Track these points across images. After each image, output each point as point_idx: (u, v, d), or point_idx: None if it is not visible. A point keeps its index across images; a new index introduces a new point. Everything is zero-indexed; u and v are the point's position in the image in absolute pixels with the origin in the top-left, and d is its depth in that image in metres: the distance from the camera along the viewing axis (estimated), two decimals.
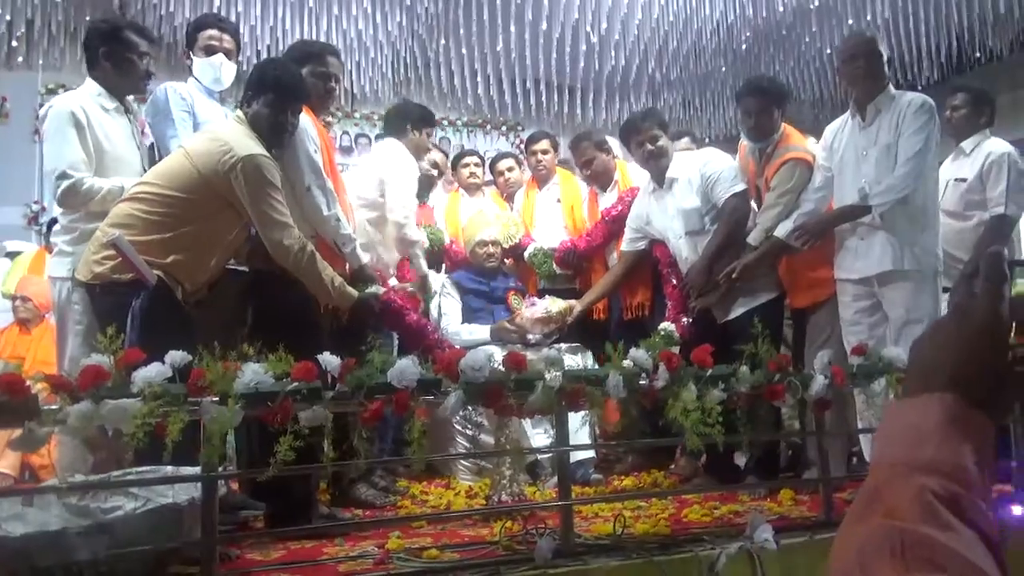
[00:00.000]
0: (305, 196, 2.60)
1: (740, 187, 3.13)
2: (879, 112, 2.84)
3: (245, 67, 5.85)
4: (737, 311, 3.08)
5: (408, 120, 3.39)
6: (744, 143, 3.28)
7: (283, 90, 2.52)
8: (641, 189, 3.50)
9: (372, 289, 2.76)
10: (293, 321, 2.46)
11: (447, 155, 4.32)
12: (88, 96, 2.65)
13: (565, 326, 3.57)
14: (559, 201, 3.96)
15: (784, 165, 3.01)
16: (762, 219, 3.05)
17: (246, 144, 2.42)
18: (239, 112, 2.57)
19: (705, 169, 3.20)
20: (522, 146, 6.91)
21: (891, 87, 2.90)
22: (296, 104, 2.56)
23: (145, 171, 2.63)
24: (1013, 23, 5.70)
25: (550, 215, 3.96)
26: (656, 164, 3.28)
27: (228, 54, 2.93)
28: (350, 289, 2.61)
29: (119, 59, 2.68)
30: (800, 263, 3.03)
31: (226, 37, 2.95)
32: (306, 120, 2.66)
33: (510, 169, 4.23)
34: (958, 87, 3.57)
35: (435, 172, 3.85)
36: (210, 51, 2.92)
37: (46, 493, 1.79)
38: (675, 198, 3.25)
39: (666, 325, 3.21)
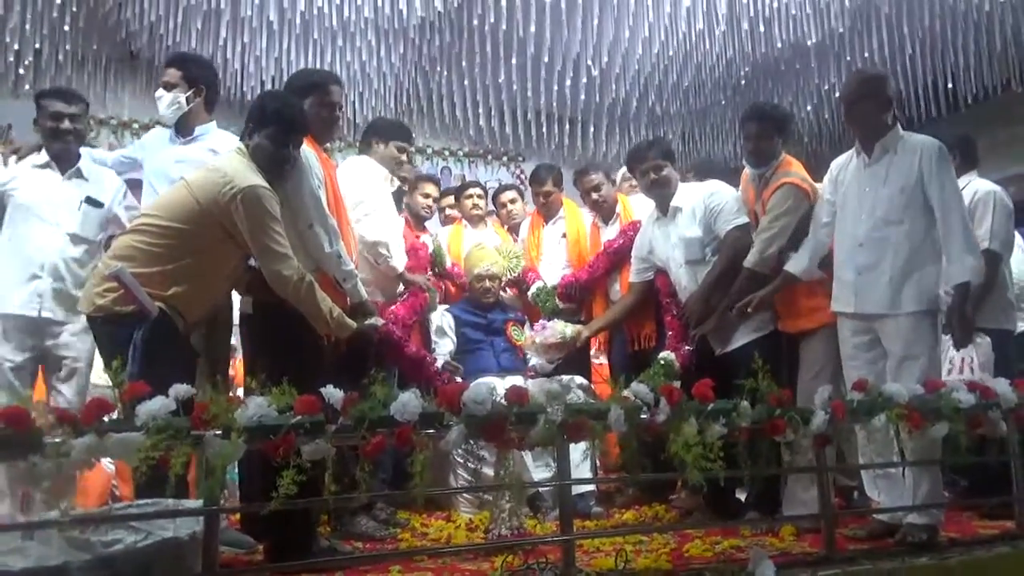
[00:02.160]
0: (307, 232, 2.61)
1: (742, 220, 3.16)
2: (886, 151, 2.81)
3: (250, 96, 5.97)
4: (736, 343, 3.09)
5: (374, 134, 3.40)
6: (746, 171, 3.31)
7: (284, 123, 2.54)
8: (646, 218, 3.53)
9: (371, 321, 2.77)
10: (294, 351, 2.47)
11: (439, 185, 4.32)
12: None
13: (573, 351, 3.57)
14: (564, 236, 3.98)
15: (779, 189, 3.03)
16: (756, 242, 3.06)
17: (246, 176, 2.44)
18: (240, 145, 2.60)
19: (709, 200, 3.23)
20: (522, 175, 7.04)
21: (899, 127, 2.86)
22: (297, 137, 2.58)
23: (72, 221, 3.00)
24: (1008, 60, 5.79)
25: (556, 250, 3.99)
26: (660, 193, 3.32)
27: (167, 87, 2.95)
28: (348, 320, 2.62)
29: (41, 125, 3.09)
30: (796, 290, 3.03)
31: (170, 71, 2.97)
32: (310, 154, 2.68)
33: (512, 201, 4.26)
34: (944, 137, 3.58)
35: (406, 187, 3.83)
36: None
37: (46, 528, 1.78)
38: (678, 227, 3.28)
39: (666, 355, 3.22)
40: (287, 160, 2.56)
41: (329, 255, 2.65)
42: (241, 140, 2.62)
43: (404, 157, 3.40)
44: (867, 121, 2.84)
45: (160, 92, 2.97)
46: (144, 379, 1.92)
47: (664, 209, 3.34)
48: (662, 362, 3.13)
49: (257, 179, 2.45)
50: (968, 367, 3.07)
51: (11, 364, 2.92)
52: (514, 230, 4.24)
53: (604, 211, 3.86)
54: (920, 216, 2.72)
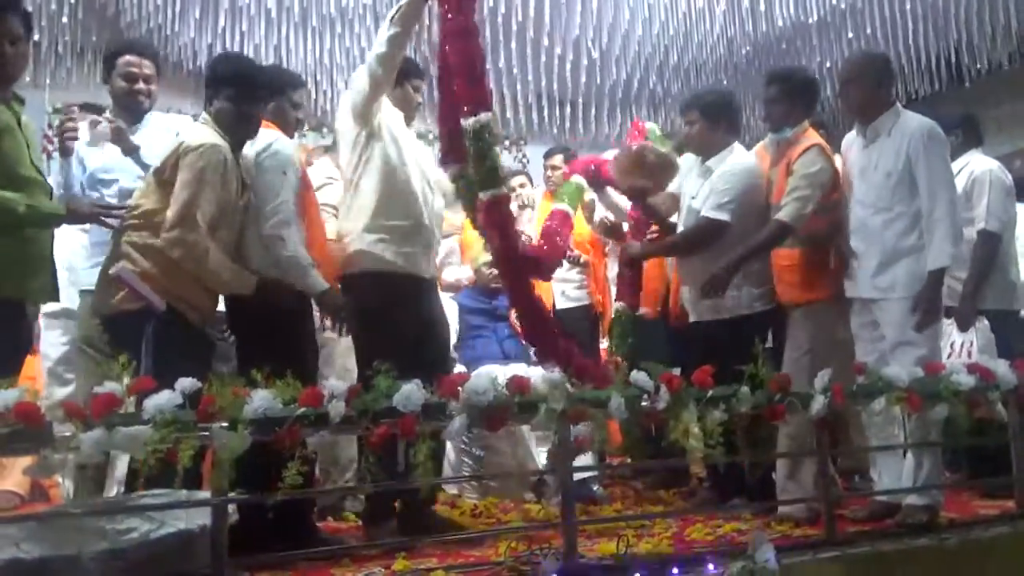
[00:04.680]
0: (267, 232, 2.50)
1: (724, 216, 2.95)
2: (878, 134, 2.78)
3: None
4: (725, 314, 2.99)
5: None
6: (763, 143, 3.26)
7: (241, 80, 2.51)
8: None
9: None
10: (283, 335, 2.47)
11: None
12: None
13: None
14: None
15: (810, 150, 2.88)
16: (791, 201, 2.83)
17: (200, 136, 2.41)
18: (204, 114, 2.54)
19: (723, 175, 3.03)
20: (524, 159, 7.06)
21: (898, 106, 2.82)
22: (257, 91, 2.53)
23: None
24: (1011, 34, 5.74)
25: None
26: (694, 148, 3.19)
27: (147, 80, 2.92)
28: (251, 278, 2.45)
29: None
30: (802, 260, 2.90)
31: (145, 62, 2.92)
32: (291, 151, 2.63)
33: (521, 186, 4.33)
34: (948, 115, 3.54)
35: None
36: (129, 78, 2.90)
37: (62, 517, 1.82)
38: (704, 187, 3.10)
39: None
40: (252, 117, 2.52)
41: (287, 259, 2.49)
42: (204, 110, 2.56)
43: (419, 97, 3.17)
44: (858, 103, 2.82)
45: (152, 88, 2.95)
46: (158, 373, 1.95)
47: (703, 161, 3.15)
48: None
49: (214, 139, 2.41)
50: (968, 351, 3.08)
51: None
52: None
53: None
54: (910, 201, 2.69)
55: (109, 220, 2.47)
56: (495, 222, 2.66)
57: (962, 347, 3.10)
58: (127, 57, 2.90)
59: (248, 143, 2.58)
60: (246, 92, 2.50)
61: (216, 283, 2.44)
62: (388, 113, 2.76)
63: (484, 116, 2.60)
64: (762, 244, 2.89)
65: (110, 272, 2.37)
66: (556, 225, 3.18)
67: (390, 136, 2.72)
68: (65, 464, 1.77)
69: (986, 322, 3.11)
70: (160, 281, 2.37)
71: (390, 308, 2.62)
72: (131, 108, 2.91)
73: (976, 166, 3.38)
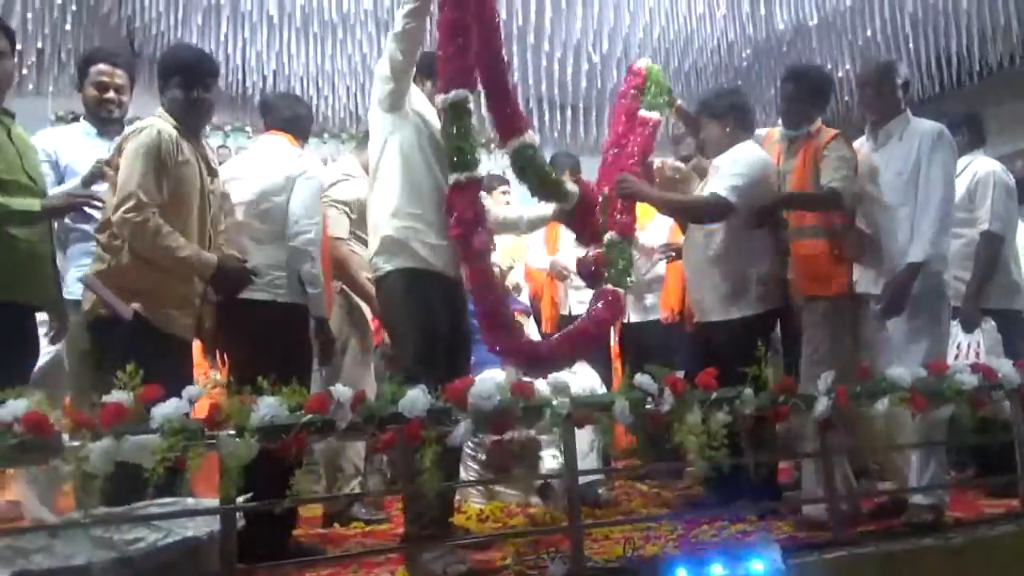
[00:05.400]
0: (298, 245, 2.61)
1: (732, 197, 2.87)
2: (890, 137, 2.83)
3: (251, 92, 5.99)
4: (726, 315, 2.96)
5: (416, 71, 2.74)
6: (773, 131, 3.25)
7: (186, 66, 2.53)
8: None
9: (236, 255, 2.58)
10: (270, 340, 2.47)
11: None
12: None
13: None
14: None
15: (836, 138, 2.88)
16: (837, 181, 2.77)
17: (147, 123, 2.41)
18: (159, 109, 2.53)
19: (735, 159, 2.99)
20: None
21: (908, 112, 2.86)
22: (205, 78, 2.54)
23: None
24: (1011, 34, 5.75)
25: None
26: (705, 146, 3.20)
27: (119, 90, 2.92)
28: (207, 255, 2.44)
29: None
30: (823, 252, 2.85)
31: (118, 72, 2.91)
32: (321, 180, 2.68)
33: (504, 192, 4.39)
34: (948, 115, 3.56)
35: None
36: (101, 87, 2.88)
37: (72, 527, 1.83)
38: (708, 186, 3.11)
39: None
40: (203, 103, 2.52)
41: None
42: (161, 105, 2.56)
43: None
44: (877, 105, 2.86)
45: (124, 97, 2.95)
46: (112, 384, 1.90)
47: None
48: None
49: (160, 124, 2.41)
50: (975, 352, 3.09)
51: None
52: None
53: None
54: (915, 202, 2.72)
55: (88, 210, 2.50)
56: (463, 205, 2.51)
57: (968, 348, 3.11)
58: (99, 66, 2.88)
59: (282, 165, 2.64)
60: (193, 80, 2.51)
61: (173, 261, 2.36)
62: (420, 104, 2.63)
63: (460, 93, 2.52)
64: (812, 201, 2.86)
65: (78, 278, 2.38)
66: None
67: (418, 126, 2.57)
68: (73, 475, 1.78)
69: (992, 323, 3.11)
70: (128, 280, 2.34)
71: (419, 304, 2.49)
72: (101, 117, 2.92)
73: (979, 167, 3.41)
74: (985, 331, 3.09)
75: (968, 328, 3.17)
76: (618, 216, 3.08)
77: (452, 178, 2.53)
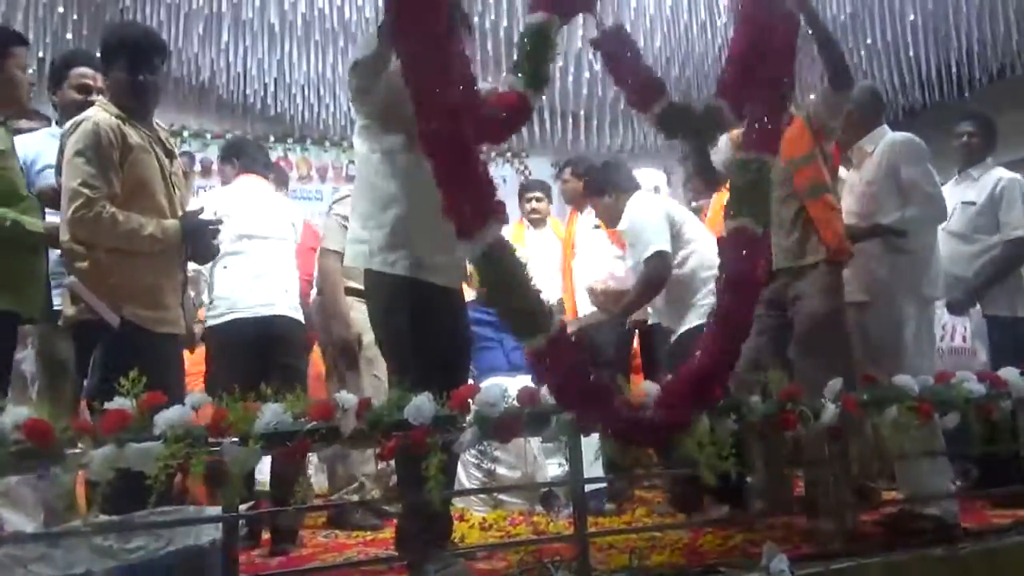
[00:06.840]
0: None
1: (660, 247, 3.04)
2: (866, 154, 2.94)
3: (253, 100, 5.99)
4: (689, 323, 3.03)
5: None
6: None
7: (131, 46, 2.44)
8: None
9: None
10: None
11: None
12: None
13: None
14: (597, 227, 3.97)
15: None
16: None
17: (83, 116, 2.34)
18: (100, 97, 2.48)
19: (628, 226, 3.20)
20: (527, 171, 7.10)
21: (884, 127, 2.96)
22: (152, 58, 2.45)
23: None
24: (1012, 42, 5.76)
25: (590, 238, 4.06)
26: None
27: (101, 93, 2.79)
28: (169, 222, 2.39)
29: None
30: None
31: (99, 76, 2.79)
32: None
33: (538, 200, 4.45)
34: (968, 114, 3.64)
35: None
36: (82, 90, 2.78)
37: (72, 536, 1.81)
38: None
39: None
40: (147, 87, 2.43)
41: None
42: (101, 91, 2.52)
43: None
44: (849, 131, 2.93)
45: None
46: (104, 385, 1.91)
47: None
48: None
49: (100, 115, 2.33)
50: (960, 335, 3.12)
51: None
52: (536, 226, 4.42)
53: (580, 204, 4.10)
54: (893, 210, 2.82)
55: None
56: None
57: (955, 329, 3.16)
58: (81, 69, 2.81)
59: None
60: (139, 60, 2.42)
61: (141, 241, 2.31)
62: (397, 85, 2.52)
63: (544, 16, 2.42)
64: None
65: (63, 283, 2.36)
66: None
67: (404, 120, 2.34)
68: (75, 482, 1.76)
69: (978, 307, 3.17)
70: (112, 276, 2.30)
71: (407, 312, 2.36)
72: None
73: (1002, 175, 3.44)
74: (971, 315, 3.13)
75: (955, 311, 3.22)
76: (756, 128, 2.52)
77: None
